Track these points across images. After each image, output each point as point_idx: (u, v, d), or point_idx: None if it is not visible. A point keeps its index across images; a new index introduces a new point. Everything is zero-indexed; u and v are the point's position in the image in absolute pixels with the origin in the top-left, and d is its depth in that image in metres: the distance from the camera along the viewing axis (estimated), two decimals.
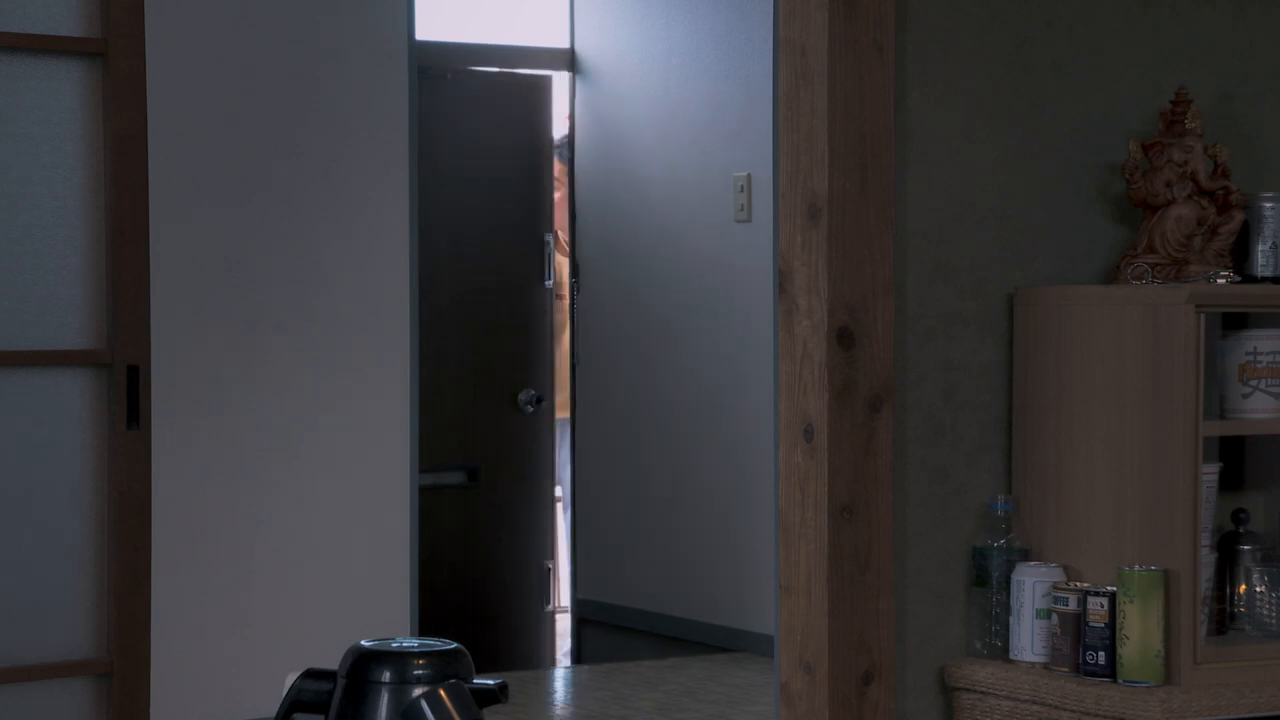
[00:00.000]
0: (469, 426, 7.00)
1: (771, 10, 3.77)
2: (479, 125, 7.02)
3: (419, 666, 1.98)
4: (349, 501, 4.41)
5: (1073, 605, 3.63)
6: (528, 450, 7.20)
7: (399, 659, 1.99)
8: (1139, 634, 3.55)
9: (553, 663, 7.21)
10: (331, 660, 2.07)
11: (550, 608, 7.22)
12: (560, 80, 7.56)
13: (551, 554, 7.29)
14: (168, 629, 4.05)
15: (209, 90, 4.28)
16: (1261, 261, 3.85)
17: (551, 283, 7.19)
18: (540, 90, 7.26)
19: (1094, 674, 3.61)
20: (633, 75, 7.38)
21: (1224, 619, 3.85)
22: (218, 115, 4.29)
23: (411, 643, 2.02)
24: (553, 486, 7.35)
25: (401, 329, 4.43)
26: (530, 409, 7.10)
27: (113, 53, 3.77)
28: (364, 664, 1.99)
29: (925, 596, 3.76)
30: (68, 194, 3.78)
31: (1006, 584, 3.74)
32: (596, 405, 7.51)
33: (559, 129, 7.49)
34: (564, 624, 8.08)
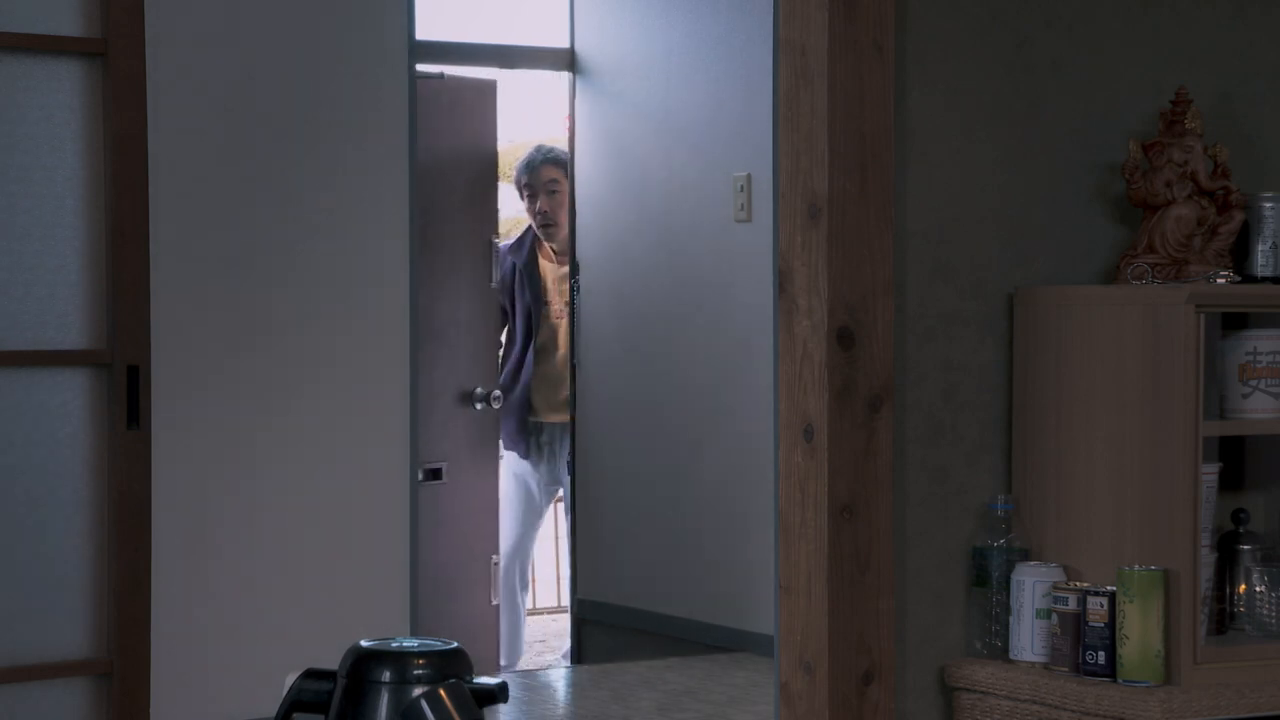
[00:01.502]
0: (429, 425, 6.99)
1: (771, 10, 3.77)
2: (424, 128, 6.96)
3: (419, 666, 1.98)
4: (348, 501, 4.41)
5: (1072, 605, 3.63)
6: (483, 447, 7.23)
7: (399, 659, 1.99)
8: (1139, 634, 3.55)
9: (496, 656, 7.18)
10: (331, 660, 2.06)
11: (496, 602, 7.21)
12: (506, 80, 7.56)
13: (498, 549, 7.30)
14: (168, 629, 4.05)
15: (209, 90, 4.27)
16: (1261, 261, 3.85)
17: (496, 283, 7.18)
18: (484, 94, 7.23)
19: (1094, 674, 3.61)
20: (633, 75, 7.38)
21: (1224, 619, 3.85)
22: (218, 115, 4.29)
23: (411, 643, 2.02)
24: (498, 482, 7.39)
25: (400, 329, 4.43)
26: (482, 406, 7.11)
27: (113, 53, 3.77)
28: (364, 664, 1.99)
29: (925, 596, 3.76)
30: (68, 194, 3.78)
31: (1006, 584, 3.74)
32: (596, 405, 7.52)
33: (505, 132, 7.44)
34: (563, 623, 8.08)
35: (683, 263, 7.15)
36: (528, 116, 10.33)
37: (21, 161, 3.74)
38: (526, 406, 7.61)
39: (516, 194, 7.78)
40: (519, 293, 7.56)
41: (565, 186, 7.56)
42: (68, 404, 3.78)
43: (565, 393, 7.63)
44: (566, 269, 7.55)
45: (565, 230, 7.51)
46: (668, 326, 7.20)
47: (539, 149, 7.69)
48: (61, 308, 3.78)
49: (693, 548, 7.13)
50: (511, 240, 7.61)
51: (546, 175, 7.54)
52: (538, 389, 7.61)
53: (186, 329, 4.24)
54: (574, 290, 7.59)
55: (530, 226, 7.69)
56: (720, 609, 7.01)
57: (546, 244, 7.58)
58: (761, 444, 6.54)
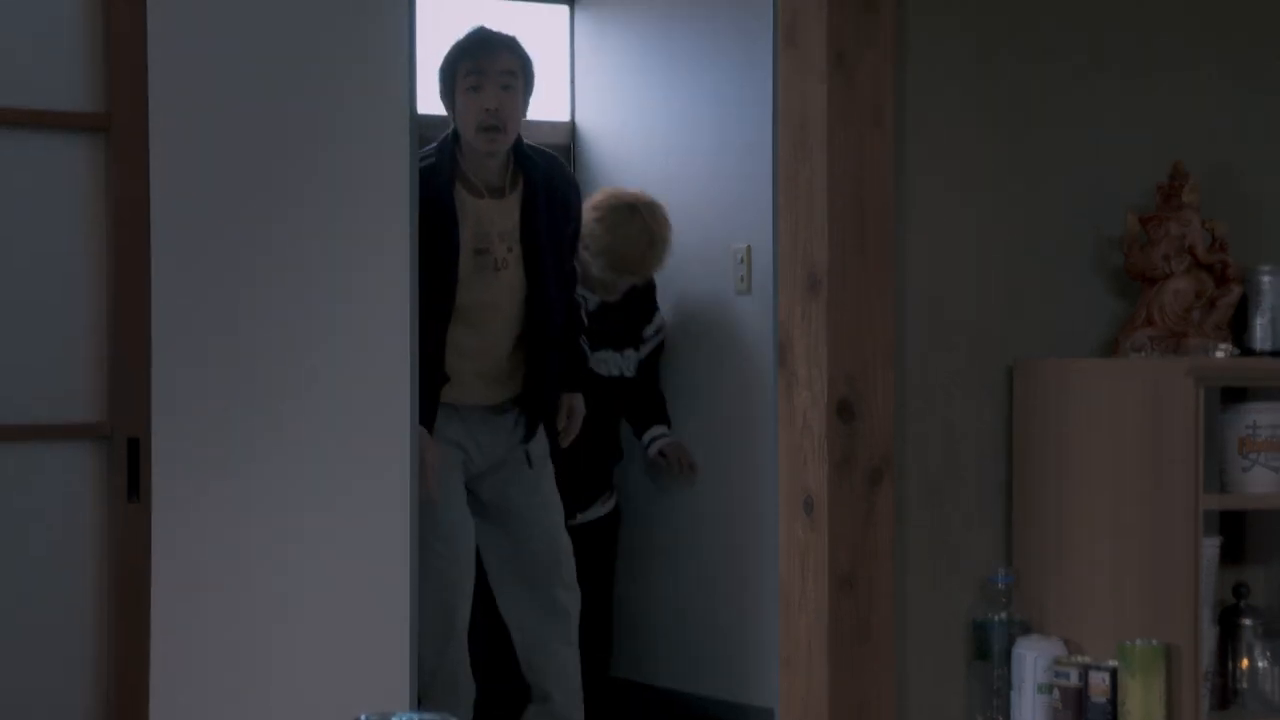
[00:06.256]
0: None
1: (771, 82, 3.78)
2: None
3: None
4: (349, 576, 4.39)
5: (1074, 680, 3.62)
6: None
7: None
8: (1141, 709, 3.53)
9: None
10: None
11: None
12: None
13: None
14: (166, 703, 4.03)
15: (212, 164, 4.28)
16: (1260, 335, 3.86)
17: None
18: None
19: None
20: (632, 146, 7.40)
21: (1227, 694, 3.83)
22: (220, 187, 4.29)
23: (410, 717, 2.02)
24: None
25: (402, 400, 4.42)
26: None
27: (116, 127, 3.78)
28: None
29: (926, 669, 3.75)
30: (69, 267, 3.78)
31: (1007, 657, 3.72)
32: None
33: None
34: None
35: (683, 334, 7.15)
36: None
37: (23, 234, 3.74)
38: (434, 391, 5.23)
39: (443, 91, 5.23)
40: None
41: (520, 89, 5.24)
42: (68, 477, 3.78)
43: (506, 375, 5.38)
44: (507, 207, 5.29)
45: (509, 143, 5.20)
46: (668, 398, 7.19)
47: (491, 29, 5.31)
48: (62, 380, 3.77)
49: (693, 619, 7.10)
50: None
51: (503, 64, 5.18)
52: (458, 365, 5.27)
53: (187, 401, 4.23)
54: None
55: (444, 145, 5.17)
56: (721, 681, 6.98)
57: (478, 159, 5.19)
58: (763, 516, 6.52)
